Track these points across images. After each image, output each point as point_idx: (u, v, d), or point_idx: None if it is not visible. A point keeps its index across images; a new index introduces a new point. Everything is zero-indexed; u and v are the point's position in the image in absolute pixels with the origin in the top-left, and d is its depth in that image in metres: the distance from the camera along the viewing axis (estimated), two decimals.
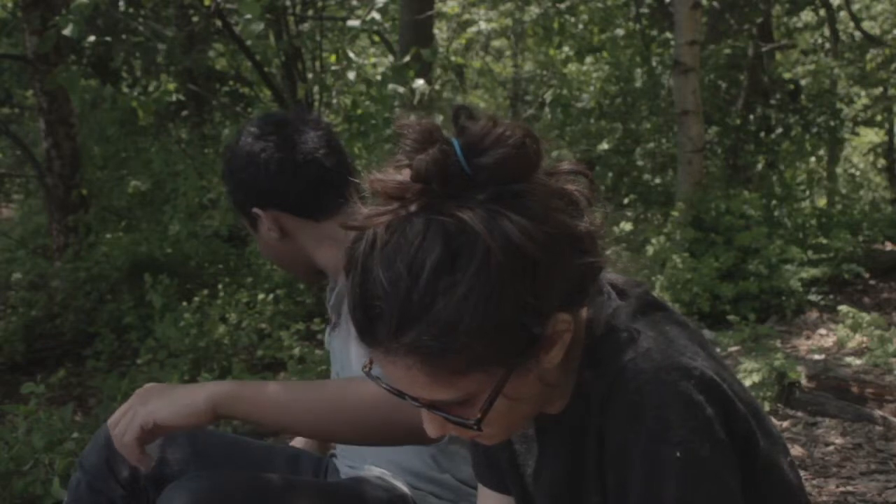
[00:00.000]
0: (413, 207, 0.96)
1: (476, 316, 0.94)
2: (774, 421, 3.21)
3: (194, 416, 1.40)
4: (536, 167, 0.99)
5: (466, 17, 10.33)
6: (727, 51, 9.05)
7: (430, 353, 0.96)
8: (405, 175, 0.98)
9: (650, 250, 6.25)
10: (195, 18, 8.35)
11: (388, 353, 0.98)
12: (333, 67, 6.97)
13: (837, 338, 5.16)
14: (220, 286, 5.73)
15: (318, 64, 7.44)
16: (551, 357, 1.02)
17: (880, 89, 10.67)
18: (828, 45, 11.17)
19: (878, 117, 11.16)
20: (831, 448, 3.43)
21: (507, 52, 13.90)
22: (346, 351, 1.81)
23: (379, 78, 5.76)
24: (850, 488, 3.07)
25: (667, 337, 1.06)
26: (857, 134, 11.57)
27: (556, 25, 9.48)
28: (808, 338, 5.47)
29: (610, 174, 9.32)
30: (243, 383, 1.48)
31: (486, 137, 0.97)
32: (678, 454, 0.98)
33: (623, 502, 1.02)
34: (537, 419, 1.14)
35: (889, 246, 7.86)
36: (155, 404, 1.41)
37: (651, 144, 9.43)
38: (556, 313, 0.99)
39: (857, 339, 5.00)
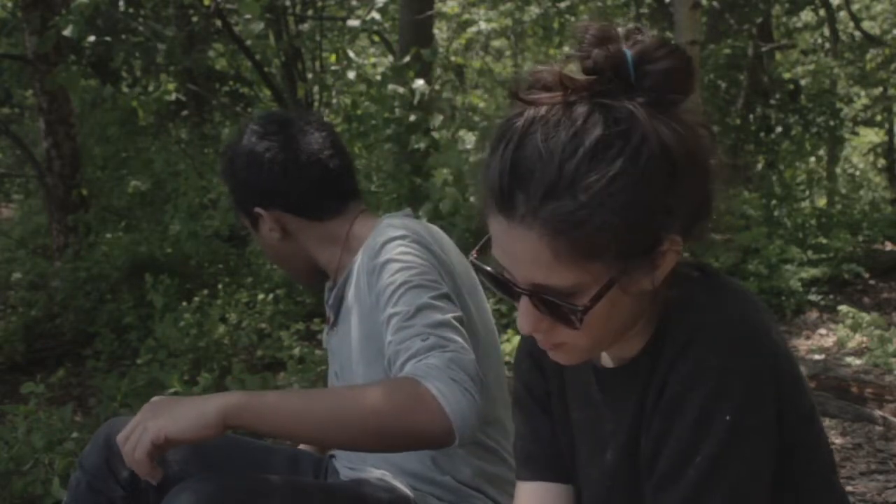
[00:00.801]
0: (580, 94, 1.02)
1: (621, 198, 0.99)
2: None
3: (205, 428, 1.39)
4: (693, 88, 1.05)
5: (466, 17, 10.31)
6: (727, 51, 9.05)
7: (565, 226, 1.00)
8: (573, 69, 1.03)
9: None
10: (195, 18, 8.36)
11: (522, 222, 1.01)
12: (333, 67, 6.97)
13: (837, 338, 5.17)
14: (220, 286, 5.74)
15: (318, 64, 7.45)
16: (656, 276, 1.06)
17: (880, 89, 10.67)
18: (828, 45, 11.17)
19: (878, 117, 11.16)
20: (831, 448, 3.43)
21: (507, 52, 13.90)
22: (347, 349, 1.81)
23: (379, 78, 5.76)
24: (850, 488, 3.07)
25: (747, 306, 1.11)
26: (856, 134, 11.56)
27: (556, 25, 9.48)
28: (808, 338, 5.47)
29: None
30: (252, 394, 1.47)
31: (658, 49, 1.03)
32: (727, 418, 1.04)
33: (661, 448, 1.08)
34: (608, 373, 1.17)
35: (889, 246, 7.86)
36: (165, 419, 1.40)
37: None
38: (675, 231, 1.04)
39: (857, 339, 5.00)
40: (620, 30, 1.06)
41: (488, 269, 1.10)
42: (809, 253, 6.55)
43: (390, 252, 1.66)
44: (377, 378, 1.72)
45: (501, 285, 1.08)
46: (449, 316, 1.57)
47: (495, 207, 1.04)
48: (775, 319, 1.16)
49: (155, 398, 1.48)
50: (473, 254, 1.14)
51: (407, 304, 1.58)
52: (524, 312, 1.08)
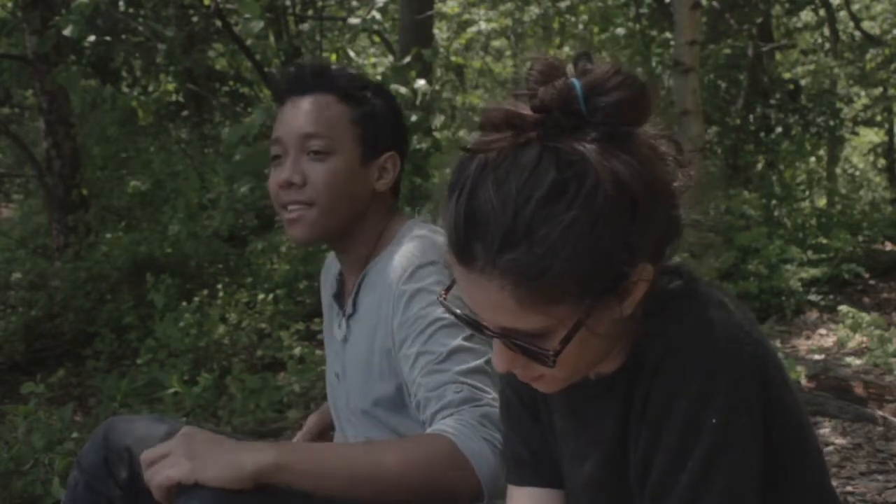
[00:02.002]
0: (529, 136, 0.99)
1: (579, 244, 0.97)
2: None
3: (236, 482, 1.39)
4: (648, 116, 1.02)
5: (466, 17, 10.31)
6: (727, 51, 9.04)
7: (526, 275, 0.98)
8: (521, 107, 1.00)
9: None
10: (195, 18, 8.35)
11: (482, 272, 1.00)
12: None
13: (837, 338, 5.16)
14: (220, 286, 5.73)
15: None
16: (626, 306, 1.04)
17: (880, 89, 10.66)
18: (828, 45, 11.17)
19: (878, 117, 11.15)
20: (831, 448, 3.42)
21: (507, 52, 13.89)
22: (354, 356, 1.76)
23: (379, 78, 5.76)
24: (850, 488, 3.07)
25: (727, 309, 1.10)
26: (856, 134, 11.56)
27: (556, 25, 9.48)
28: (808, 338, 5.47)
29: None
30: (287, 452, 1.45)
31: (610, 79, 1.00)
32: (714, 420, 1.03)
33: (653, 456, 1.07)
34: (592, 384, 1.17)
35: (889, 246, 7.87)
36: (199, 463, 1.39)
37: None
38: (642, 261, 1.02)
39: (857, 339, 5.00)
40: (568, 57, 1.03)
41: (458, 311, 1.09)
42: (809, 253, 6.55)
43: (422, 280, 1.62)
44: (378, 395, 1.71)
45: (473, 326, 1.08)
46: (481, 361, 1.54)
47: (454, 258, 1.03)
48: (756, 321, 1.16)
49: (190, 429, 1.46)
50: (443, 294, 1.14)
51: (439, 344, 1.55)
52: (498, 353, 1.08)
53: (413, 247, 1.68)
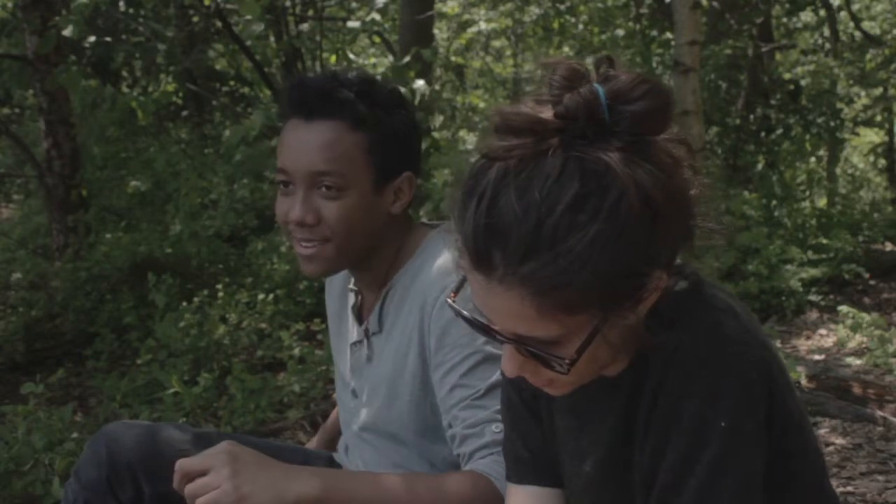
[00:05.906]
0: (551, 143, 0.97)
1: (602, 256, 0.95)
2: None
3: None
4: (669, 125, 1.01)
5: (466, 17, 10.31)
6: (727, 51, 9.04)
7: (547, 286, 0.96)
8: (543, 111, 0.98)
9: None
10: (195, 18, 8.35)
11: (502, 281, 0.98)
12: (334, 68, 6.97)
13: (837, 338, 5.16)
14: (219, 286, 5.73)
15: (318, 64, 7.44)
16: (640, 310, 1.04)
17: (880, 89, 10.65)
18: (828, 45, 11.16)
19: (878, 117, 11.14)
20: (831, 448, 3.42)
21: (507, 52, 13.89)
22: (376, 374, 1.71)
23: (379, 78, 5.76)
24: (850, 488, 3.06)
25: (733, 311, 1.11)
26: (857, 134, 11.55)
27: (555, 25, 9.48)
28: (808, 338, 5.47)
29: None
30: (331, 483, 1.45)
31: (636, 88, 0.98)
32: (723, 423, 1.03)
33: (661, 458, 1.07)
34: (595, 383, 1.16)
35: (889, 246, 7.86)
36: (247, 491, 1.38)
37: None
38: (658, 269, 1.01)
39: (857, 340, 5.00)
40: (591, 61, 1.02)
41: (466, 314, 1.07)
42: (809, 253, 6.54)
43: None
44: (410, 420, 1.67)
45: (485, 331, 1.06)
46: None
47: (471, 266, 1.01)
48: (760, 322, 1.16)
49: (234, 447, 1.45)
50: (452, 296, 1.12)
51: (478, 378, 1.51)
52: (508, 358, 1.07)
53: (443, 266, 1.58)
